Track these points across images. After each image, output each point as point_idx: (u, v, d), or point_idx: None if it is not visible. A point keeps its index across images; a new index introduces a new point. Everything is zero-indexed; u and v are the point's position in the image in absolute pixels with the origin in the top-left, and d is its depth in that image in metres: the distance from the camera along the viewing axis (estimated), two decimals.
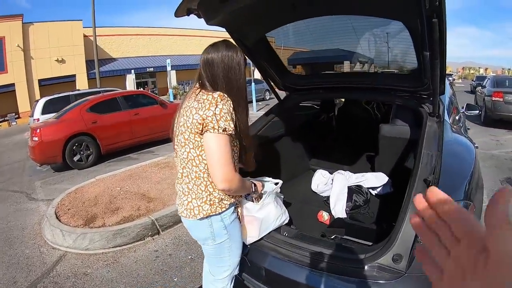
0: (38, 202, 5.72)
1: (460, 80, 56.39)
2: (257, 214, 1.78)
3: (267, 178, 2.02)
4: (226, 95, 1.45)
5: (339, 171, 2.94)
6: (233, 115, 1.44)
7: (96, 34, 20.72)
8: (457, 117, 2.91)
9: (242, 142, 1.59)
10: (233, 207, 1.62)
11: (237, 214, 1.69)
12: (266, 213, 1.81)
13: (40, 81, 25.52)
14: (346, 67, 2.96)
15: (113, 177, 5.81)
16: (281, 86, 2.91)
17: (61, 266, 3.37)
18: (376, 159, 3.07)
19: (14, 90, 24.43)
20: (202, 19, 1.91)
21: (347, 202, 2.59)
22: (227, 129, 1.41)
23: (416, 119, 2.58)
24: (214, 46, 1.55)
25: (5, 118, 24.22)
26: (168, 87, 21.74)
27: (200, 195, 1.52)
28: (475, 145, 2.25)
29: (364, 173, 2.86)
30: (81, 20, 26.80)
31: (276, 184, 1.94)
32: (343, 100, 4.23)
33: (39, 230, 4.33)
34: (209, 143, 1.41)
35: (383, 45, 2.40)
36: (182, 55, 32.43)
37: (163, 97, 11.93)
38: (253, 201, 1.80)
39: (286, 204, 2.69)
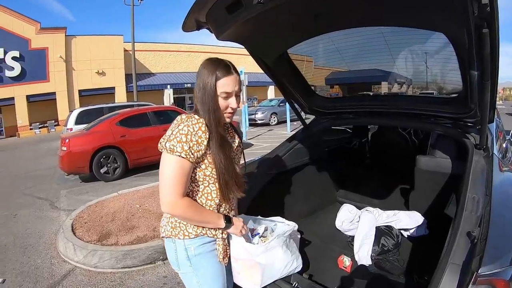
0: (60, 211, 5.84)
1: (500, 102, 53.11)
2: (259, 259, 1.56)
3: (279, 219, 1.84)
4: (198, 118, 1.36)
5: (367, 208, 2.68)
6: (200, 139, 1.34)
7: (136, 49, 21.77)
8: (504, 145, 2.59)
9: (222, 177, 1.43)
10: (206, 240, 1.47)
11: (220, 251, 1.52)
12: (271, 259, 1.60)
13: (80, 91, 27.17)
14: (380, 88, 2.76)
15: (135, 193, 5.82)
16: (307, 109, 2.73)
17: (67, 281, 3.33)
18: (411, 194, 2.78)
19: (55, 99, 26.10)
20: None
21: (373, 246, 2.33)
22: (175, 150, 1.31)
23: (459, 151, 2.31)
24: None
25: (45, 125, 25.86)
26: None
27: (166, 214, 1.51)
28: None
29: (396, 211, 2.59)
30: (122, 35, 28.40)
31: (290, 226, 1.75)
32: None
33: (55, 240, 4.36)
34: (161, 161, 1.37)
35: (422, 63, 2.16)
36: None
37: None
38: (249, 241, 1.60)
39: (305, 241, 2.47)
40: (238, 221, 1.53)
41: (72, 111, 11.60)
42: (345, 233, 2.72)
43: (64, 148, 7.27)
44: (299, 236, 1.97)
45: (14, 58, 24.70)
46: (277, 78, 2.37)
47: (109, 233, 4.08)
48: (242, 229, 1.52)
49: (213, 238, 1.49)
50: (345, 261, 2.28)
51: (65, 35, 26.52)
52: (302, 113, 2.84)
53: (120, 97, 26.75)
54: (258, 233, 1.67)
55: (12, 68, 24.72)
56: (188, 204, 1.37)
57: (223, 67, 1.40)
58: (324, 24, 1.83)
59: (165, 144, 1.33)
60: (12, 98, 24.97)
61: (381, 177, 3.41)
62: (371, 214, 2.52)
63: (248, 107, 24.83)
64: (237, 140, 1.64)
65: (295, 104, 2.68)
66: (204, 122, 1.36)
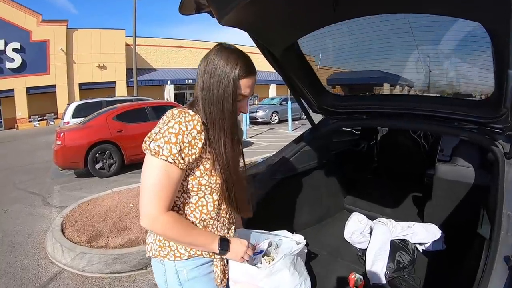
0: (51, 208, 5.65)
1: None
2: (262, 284, 1.32)
3: (287, 233, 1.59)
4: (193, 114, 1.12)
5: (380, 219, 2.44)
6: (194, 141, 1.10)
7: (138, 44, 21.58)
8: None
9: (227, 184, 1.20)
10: (201, 261, 1.23)
11: (218, 273, 1.28)
12: (276, 283, 1.34)
13: (80, 84, 27.07)
14: (397, 88, 2.52)
15: (130, 191, 5.61)
16: (316, 108, 2.49)
17: (54, 285, 3.15)
18: (427, 205, 2.54)
19: (55, 92, 25.99)
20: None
21: (388, 262, 2.09)
22: (160, 153, 1.07)
23: (484, 159, 2.11)
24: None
25: (44, 117, 25.80)
26: None
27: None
28: None
29: (411, 223, 2.35)
30: (124, 29, 28.26)
31: (299, 243, 1.49)
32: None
33: (43, 240, 4.16)
34: (143, 164, 1.12)
35: (448, 59, 1.92)
36: None
37: None
38: (251, 261, 1.36)
39: (311, 254, 2.26)
40: (240, 245, 1.26)
41: (69, 104, 11.37)
42: (354, 245, 2.48)
43: (59, 142, 7.07)
44: (305, 251, 1.76)
45: (14, 50, 24.64)
46: (285, 71, 2.12)
47: (99, 234, 3.88)
48: (245, 255, 1.26)
49: (210, 259, 1.25)
50: (357, 280, 2.04)
51: (67, 28, 26.43)
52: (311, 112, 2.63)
53: (121, 91, 26.59)
54: (262, 251, 1.43)
55: (13, 60, 24.64)
56: (172, 221, 1.11)
57: (247, 63, 1.17)
58: (344, 9, 1.56)
59: (149, 144, 1.09)
60: (12, 90, 24.86)
61: (390, 183, 3.19)
62: (385, 226, 2.27)
63: (249, 105, 24.73)
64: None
65: (303, 102, 2.46)
66: (200, 119, 1.12)
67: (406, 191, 2.93)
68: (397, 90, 2.55)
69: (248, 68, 1.16)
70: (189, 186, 1.18)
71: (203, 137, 1.12)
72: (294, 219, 2.54)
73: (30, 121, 25.49)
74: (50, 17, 26.41)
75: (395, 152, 3.34)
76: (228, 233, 1.31)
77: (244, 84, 1.16)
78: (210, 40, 33.70)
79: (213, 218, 1.24)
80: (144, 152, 1.12)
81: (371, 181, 3.30)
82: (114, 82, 27.62)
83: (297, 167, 2.48)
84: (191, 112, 1.12)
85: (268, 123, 17.99)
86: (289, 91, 14.63)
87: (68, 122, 10.12)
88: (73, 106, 10.87)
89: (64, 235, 3.98)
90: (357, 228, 2.40)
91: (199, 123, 1.11)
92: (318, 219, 2.76)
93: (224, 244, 1.21)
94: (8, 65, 24.55)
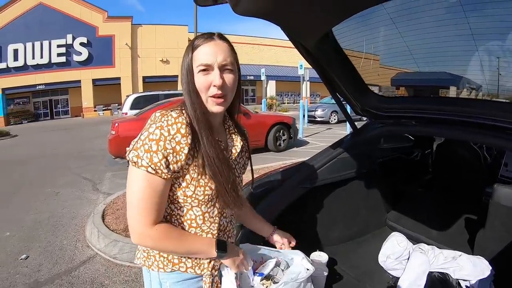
0: (99, 194, 6.00)
1: None
2: None
3: (298, 253, 1.35)
4: (177, 116, 1.01)
5: (421, 245, 2.11)
6: (178, 146, 0.99)
7: None
8: None
9: (220, 186, 1.08)
10: (187, 277, 1.13)
11: None
12: None
13: (144, 78, 29.06)
14: (457, 90, 2.20)
15: None
16: (359, 109, 2.27)
17: (85, 268, 3.32)
18: (480, 233, 2.14)
19: (120, 84, 28.10)
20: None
21: None
22: (139, 163, 0.96)
23: None
24: None
25: (109, 107, 27.92)
26: (262, 96, 22.21)
27: None
28: None
29: (456, 253, 1.97)
30: (187, 25, 29.59)
31: (307, 270, 1.27)
32: None
33: (85, 223, 4.40)
34: (127, 176, 1.03)
35: None
36: (283, 66, 33.50)
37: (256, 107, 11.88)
38: (246, 281, 1.21)
39: (336, 276, 2.07)
40: (235, 251, 1.16)
41: (128, 96, 12.03)
42: (388, 271, 2.20)
43: (113, 132, 7.47)
44: (325, 274, 1.55)
45: (82, 44, 27.58)
46: (320, 67, 1.92)
47: None
48: (240, 263, 1.16)
49: (197, 275, 1.14)
50: None
51: (131, 24, 28.59)
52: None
53: None
54: (262, 274, 1.26)
55: (80, 53, 27.47)
56: (162, 234, 1.02)
57: (203, 35, 1.08)
58: None
59: (128, 154, 1.00)
60: (79, 81, 27.64)
61: (442, 199, 2.80)
62: (425, 255, 1.94)
63: (311, 103, 24.38)
64: (239, 144, 1.22)
65: (345, 103, 2.28)
66: (185, 121, 1.01)
67: (459, 212, 2.55)
68: (460, 94, 2.25)
69: (203, 38, 1.06)
70: (174, 197, 1.08)
71: (189, 140, 1.01)
72: (324, 232, 2.35)
73: (95, 110, 27.88)
74: (115, 14, 29.04)
75: (450, 164, 2.95)
76: None
77: (199, 53, 1.05)
78: (272, 36, 34.04)
79: (205, 232, 1.13)
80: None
81: (421, 196, 2.95)
82: (176, 76, 29.00)
83: (332, 176, 2.27)
84: (174, 114, 1.01)
85: (327, 122, 17.63)
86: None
87: (126, 113, 10.71)
88: (131, 98, 11.49)
89: (103, 221, 4.19)
90: (394, 251, 2.11)
91: (183, 125, 1.00)
92: (353, 234, 2.53)
93: (222, 245, 1.10)
94: (76, 58, 27.42)
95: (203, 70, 1.04)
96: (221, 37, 1.08)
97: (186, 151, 1.00)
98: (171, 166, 0.99)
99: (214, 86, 1.04)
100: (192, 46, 1.05)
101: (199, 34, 1.10)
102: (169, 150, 0.97)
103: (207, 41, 1.05)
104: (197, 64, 1.04)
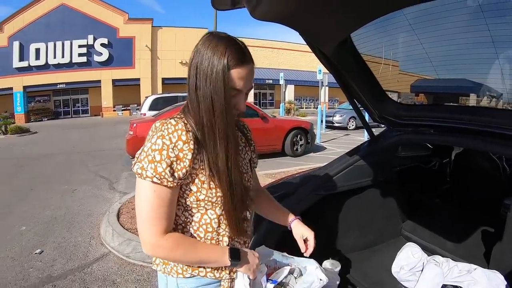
0: (116, 192, 6.13)
1: None
2: None
3: (312, 263, 1.34)
4: (175, 123, 1.01)
5: (435, 257, 2.06)
6: (182, 153, 1.00)
7: None
8: None
9: (227, 197, 1.09)
10: (205, 282, 1.14)
11: None
12: None
13: (163, 79, 29.66)
14: (478, 99, 2.17)
15: None
16: (377, 117, 2.28)
17: (98, 265, 3.39)
18: (496, 247, 2.09)
19: (139, 84, 28.69)
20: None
21: None
22: (144, 175, 0.97)
23: None
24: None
25: (128, 108, 28.53)
26: (280, 100, 22.24)
27: None
28: None
29: (471, 267, 1.90)
30: (207, 28, 29.90)
31: (321, 280, 1.26)
32: None
33: (100, 221, 4.50)
34: (136, 188, 1.04)
35: None
36: (302, 71, 33.63)
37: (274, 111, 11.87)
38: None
39: (349, 285, 2.07)
40: (251, 256, 1.15)
41: (147, 97, 12.24)
42: (400, 282, 2.16)
43: (131, 133, 7.64)
44: (337, 282, 1.55)
45: (102, 45, 28.34)
46: (338, 72, 1.94)
47: None
48: (256, 269, 1.16)
49: (216, 280, 1.14)
50: None
51: (152, 26, 29.27)
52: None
53: None
54: (275, 281, 1.25)
55: (100, 54, 28.23)
56: (174, 244, 1.03)
57: (238, 51, 1.03)
58: None
59: (133, 166, 1.01)
60: (99, 81, 28.38)
61: (460, 211, 2.75)
62: (439, 268, 1.91)
63: (329, 108, 24.27)
64: (240, 141, 1.23)
65: (363, 110, 2.27)
66: (184, 127, 1.01)
67: (476, 223, 2.50)
68: (481, 102, 2.21)
69: (239, 56, 1.02)
70: (188, 203, 1.08)
71: (192, 146, 1.01)
72: (338, 240, 2.35)
73: (114, 110, 28.51)
74: (135, 16, 29.95)
75: (468, 174, 2.90)
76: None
77: (236, 75, 1.02)
78: (291, 41, 34.10)
79: (221, 234, 1.13)
80: None
81: (438, 206, 2.90)
82: None
83: (348, 183, 2.26)
84: (173, 121, 1.01)
85: (345, 128, 17.59)
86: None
87: (144, 114, 10.89)
88: (150, 99, 11.69)
89: (118, 220, 4.27)
90: (408, 262, 2.08)
91: (184, 132, 1.00)
92: (368, 243, 2.52)
93: (235, 253, 1.10)
94: (96, 58, 28.19)
95: (234, 94, 1.05)
96: (251, 57, 1.08)
97: (189, 157, 1.01)
98: (176, 174, 1.00)
99: (238, 109, 1.08)
100: (227, 60, 1.00)
101: (221, 35, 1.06)
102: (172, 158, 0.98)
103: (244, 65, 1.04)
104: (232, 85, 1.03)
